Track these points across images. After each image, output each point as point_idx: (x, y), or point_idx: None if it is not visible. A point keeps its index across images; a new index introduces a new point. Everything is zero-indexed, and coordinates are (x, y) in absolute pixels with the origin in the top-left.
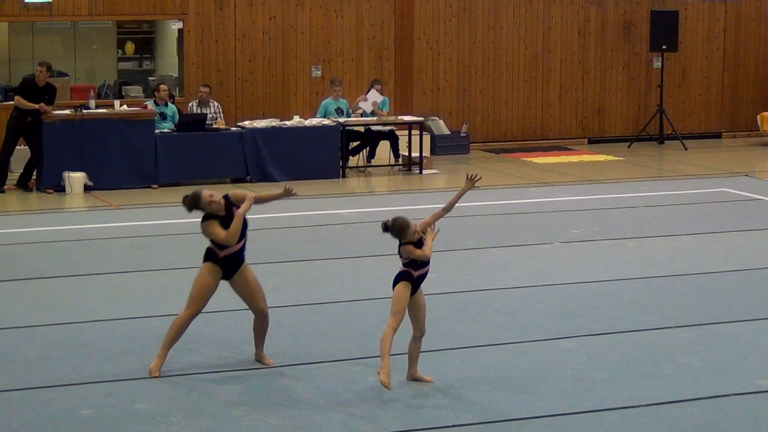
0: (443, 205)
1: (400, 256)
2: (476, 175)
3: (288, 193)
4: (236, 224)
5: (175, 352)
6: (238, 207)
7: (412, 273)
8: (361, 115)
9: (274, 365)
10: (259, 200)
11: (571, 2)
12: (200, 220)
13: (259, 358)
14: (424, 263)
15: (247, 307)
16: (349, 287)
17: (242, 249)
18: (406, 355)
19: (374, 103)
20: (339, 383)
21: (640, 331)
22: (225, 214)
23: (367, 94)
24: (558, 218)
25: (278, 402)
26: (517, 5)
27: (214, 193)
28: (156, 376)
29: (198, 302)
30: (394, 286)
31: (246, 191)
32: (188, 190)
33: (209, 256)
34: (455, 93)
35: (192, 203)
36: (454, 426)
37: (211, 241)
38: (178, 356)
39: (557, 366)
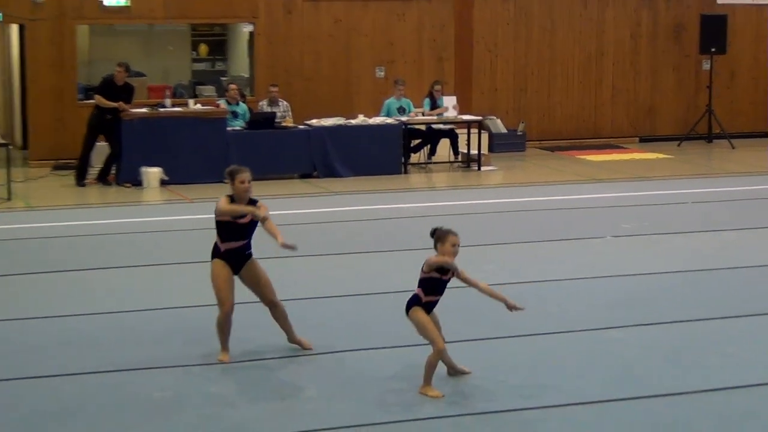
0: (482, 283)
1: (422, 271)
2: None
3: (286, 246)
4: (237, 208)
5: (241, 339)
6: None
7: (422, 298)
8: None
9: (312, 348)
10: (265, 224)
11: (623, 6)
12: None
13: (297, 343)
14: (436, 292)
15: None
16: (408, 278)
17: (246, 246)
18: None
19: (454, 106)
20: (402, 367)
21: (687, 322)
22: (243, 203)
23: (439, 102)
24: (610, 213)
25: (343, 385)
26: (572, 9)
27: (249, 180)
28: (227, 362)
29: (224, 299)
30: (407, 312)
31: (266, 214)
32: (258, 184)
33: (214, 252)
34: (512, 93)
35: (230, 173)
36: (506, 411)
37: (217, 230)
38: (245, 342)
39: (607, 355)
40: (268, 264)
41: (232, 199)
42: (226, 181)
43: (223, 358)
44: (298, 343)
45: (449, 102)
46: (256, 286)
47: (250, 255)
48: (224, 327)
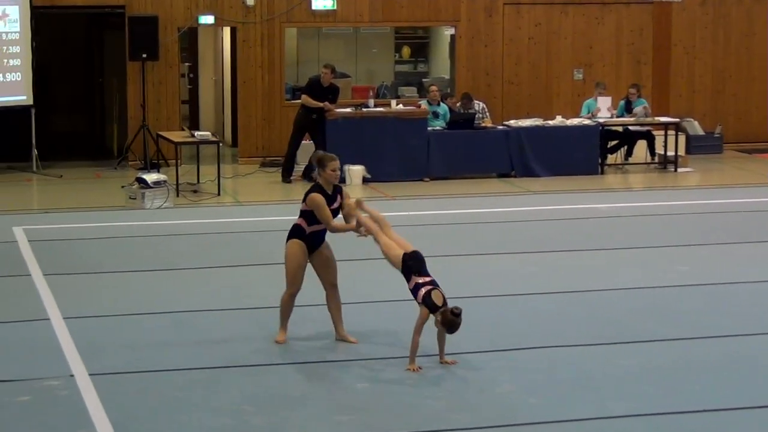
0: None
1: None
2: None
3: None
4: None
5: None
6: (342, 199)
7: None
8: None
9: (357, 343)
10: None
11: None
12: (309, 189)
13: (342, 337)
14: None
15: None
16: (604, 277)
17: (326, 230)
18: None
19: (646, 110)
20: (579, 360)
21: None
22: (331, 193)
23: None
24: None
25: (479, 389)
26: None
27: (338, 168)
28: (282, 342)
29: (297, 279)
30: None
31: (352, 207)
32: (457, 183)
33: (297, 232)
34: (709, 95)
35: (320, 160)
36: (631, 416)
37: (302, 214)
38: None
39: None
40: (479, 261)
41: (321, 188)
42: (310, 163)
43: (281, 339)
44: (344, 338)
45: (640, 111)
46: (325, 267)
47: (325, 238)
48: (288, 307)
